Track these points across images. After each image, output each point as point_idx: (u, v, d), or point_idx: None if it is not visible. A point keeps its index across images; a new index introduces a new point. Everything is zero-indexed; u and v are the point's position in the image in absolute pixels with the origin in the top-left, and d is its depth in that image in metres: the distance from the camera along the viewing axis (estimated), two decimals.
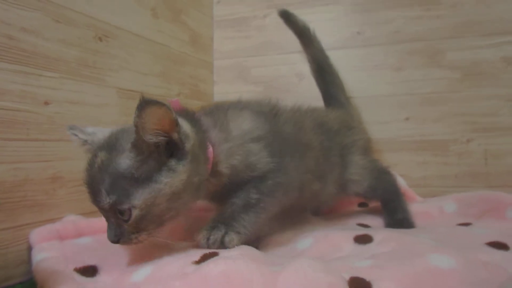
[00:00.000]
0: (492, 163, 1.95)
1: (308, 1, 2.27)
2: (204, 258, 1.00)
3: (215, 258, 0.95)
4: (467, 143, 1.99)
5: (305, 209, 1.63)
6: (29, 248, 1.26)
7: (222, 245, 1.11)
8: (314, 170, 1.40)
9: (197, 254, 1.04)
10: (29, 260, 1.25)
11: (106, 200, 1.03)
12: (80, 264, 1.11)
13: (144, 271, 1.02)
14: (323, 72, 1.99)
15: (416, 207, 1.67)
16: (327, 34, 2.17)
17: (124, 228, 1.06)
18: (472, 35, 2.00)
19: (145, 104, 0.95)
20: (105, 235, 1.35)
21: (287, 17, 2.02)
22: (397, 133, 2.10)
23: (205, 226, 1.17)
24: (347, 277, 0.89)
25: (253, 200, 1.20)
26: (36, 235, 1.27)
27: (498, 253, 1.04)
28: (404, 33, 2.11)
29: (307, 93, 2.09)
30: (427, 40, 2.07)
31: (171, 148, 1.06)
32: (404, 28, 2.11)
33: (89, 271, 1.09)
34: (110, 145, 1.07)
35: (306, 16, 2.07)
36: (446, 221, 1.56)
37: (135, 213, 1.03)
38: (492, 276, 0.90)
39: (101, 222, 1.39)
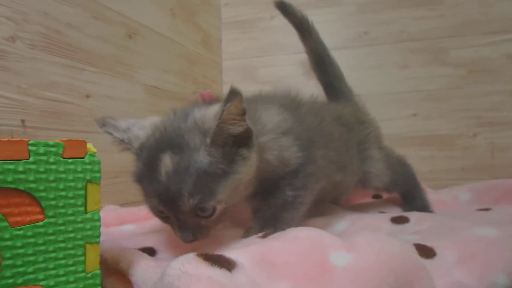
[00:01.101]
0: (498, 156, 2.01)
1: (314, 2, 2.31)
2: (268, 234, 1.01)
3: (293, 228, 0.97)
4: (474, 137, 2.04)
5: (324, 201, 1.60)
6: None
7: None
8: (336, 162, 1.37)
9: (258, 234, 1.05)
10: None
11: (189, 202, 0.95)
12: (136, 246, 1.10)
13: (206, 251, 1.02)
14: (323, 64, 1.94)
15: (430, 196, 1.68)
16: (333, 35, 2.23)
17: (201, 225, 1.01)
18: (474, 34, 2.05)
19: (234, 95, 0.90)
20: (148, 223, 1.39)
21: (285, 8, 1.97)
22: (403, 129, 2.14)
23: (252, 226, 1.15)
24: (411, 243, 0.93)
25: (290, 198, 1.17)
26: None
27: None
28: (408, 32, 2.16)
29: (315, 93, 2.06)
30: (431, 39, 2.12)
31: (238, 137, 0.99)
32: (409, 28, 2.16)
33: (148, 251, 1.08)
34: (175, 144, 0.98)
35: (312, 17, 2.05)
36: (463, 208, 1.58)
37: (219, 208, 0.99)
38: None
39: (141, 211, 1.41)
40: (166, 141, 1.00)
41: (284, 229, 1.02)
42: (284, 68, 2.36)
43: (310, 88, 2.11)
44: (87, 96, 1.41)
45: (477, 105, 2.05)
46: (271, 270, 0.79)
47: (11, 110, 1.16)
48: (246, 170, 1.02)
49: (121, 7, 1.60)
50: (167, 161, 0.96)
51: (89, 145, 0.77)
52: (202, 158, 0.96)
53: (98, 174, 0.77)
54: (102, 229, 1.26)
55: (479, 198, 1.61)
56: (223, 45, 2.49)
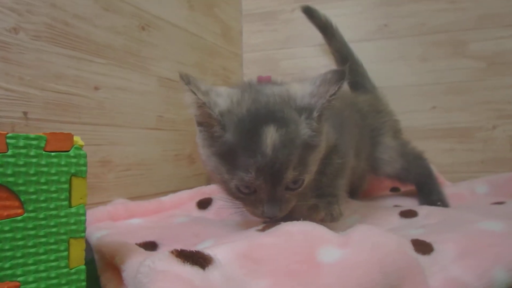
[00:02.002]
0: None
1: None
2: (267, 227, 1.00)
3: (288, 222, 0.96)
4: (493, 130, 2.02)
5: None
6: None
7: (341, 215, 1.13)
8: (353, 146, 1.40)
9: (257, 226, 1.04)
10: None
11: (292, 175, 1.00)
12: (139, 240, 1.11)
13: (208, 243, 1.02)
14: (347, 63, 1.97)
15: (448, 189, 1.69)
16: (354, 27, 2.22)
17: (285, 198, 1.04)
18: (495, 26, 2.02)
19: (343, 76, 1.02)
20: (156, 216, 1.38)
21: (310, 13, 2.08)
22: (424, 121, 2.12)
23: (318, 204, 1.13)
24: (409, 239, 0.92)
25: (339, 164, 1.21)
26: (90, 215, 1.26)
27: None
28: (429, 25, 2.13)
29: None
30: (451, 31, 2.09)
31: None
32: (429, 20, 2.13)
33: (150, 246, 1.09)
34: (278, 118, 1.00)
35: (334, 10, 2.12)
36: (479, 201, 1.57)
37: (306, 179, 1.04)
38: None
39: (150, 205, 1.42)
40: (267, 114, 1.00)
41: (340, 196, 1.17)
42: (305, 60, 2.34)
43: None
44: (96, 88, 1.39)
45: (497, 98, 2.02)
46: (253, 267, 0.78)
47: (12, 102, 1.14)
48: (324, 143, 1.08)
49: None
50: (273, 134, 0.97)
51: (76, 138, 0.75)
52: (306, 131, 1.01)
53: (84, 168, 0.75)
54: (109, 223, 1.27)
55: (496, 191, 1.62)
56: (244, 37, 2.47)
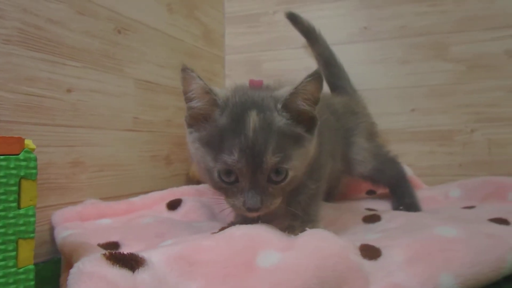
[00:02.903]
0: (495, 152, 2.00)
1: None
2: (222, 229, 1.03)
3: (233, 226, 1.00)
4: (471, 133, 2.03)
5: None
6: (51, 229, 1.30)
7: None
8: (329, 148, 1.41)
9: (215, 229, 1.07)
10: (51, 240, 1.29)
11: (272, 160, 1.01)
12: (102, 241, 1.14)
13: (168, 243, 1.04)
14: (330, 66, 2.07)
15: (422, 193, 1.72)
16: (336, 29, 2.24)
17: (269, 192, 1.05)
18: (475, 29, 2.04)
19: (317, 76, 1.02)
20: (126, 217, 1.41)
21: (294, 19, 2.13)
22: (404, 124, 2.14)
23: (293, 224, 1.18)
24: (358, 244, 0.95)
25: (313, 190, 1.23)
26: (59, 216, 1.30)
27: (499, 227, 1.08)
28: (410, 27, 2.15)
29: None
30: (432, 34, 2.11)
31: (304, 118, 1.09)
32: (410, 23, 2.15)
33: (112, 246, 1.12)
34: (258, 105, 1.06)
35: (317, 12, 2.15)
36: (451, 205, 1.60)
37: (291, 174, 1.05)
38: (495, 245, 0.95)
39: (120, 205, 1.45)
40: (251, 101, 1.07)
41: (315, 220, 1.20)
42: (287, 62, 2.37)
43: None
44: (69, 91, 1.41)
45: (477, 101, 2.04)
46: (187, 269, 0.81)
47: None
48: (310, 149, 1.12)
49: (111, 3, 1.60)
50: (254, 117, 1.02)
51: (28, 141, 0.77)
52: (279, 118, 1.05)
53: (34, 171, 0.76)
54: (77, 223, 1.29)
55: (468, 195, 1.64)
56: (226, 39, 2.49)
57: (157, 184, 1.81)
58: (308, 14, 2.15)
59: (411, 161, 2.09)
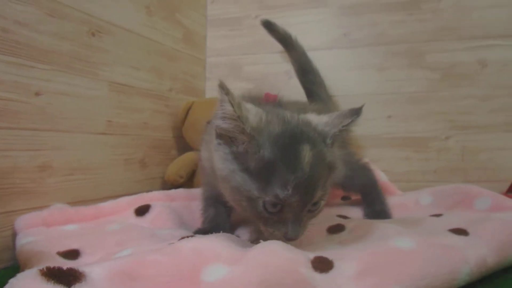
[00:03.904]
0: (468, 159, 2.03)
1: (298, 4, 2.30)
2: (182, 239, 1.02)
3: (190, 237, 0.98)
4: (446, 140, 2.04)
5: None
6: (14, 235, 1.26)
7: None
8: None
9: (178, 237, 1.05)
10: (13, 246, 1.25)
11: (319, 194, 1.01)
12: (63, 249, 1.11)
13: (126, 252, 1.03)
14: (306, 73, 2.09)
15: (394, 199, 1.71)
16: (315, 36, 2.24)
17: (304, 222, 1.04)
18: (450, 39, 2.06)
19: (361, 113, 1.07)
20: (93, 223, 1.38)
21: (269, 26, 2.15)
22: (381, 130, 2.14)
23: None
24: (312, 256, 0.94)
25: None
26: (22, 221, 1.27)
27: (457, 238, 1.08)
28: (388, 35, 2.16)
29: (295, 90, 2.12)
30: (409, 42, 2.12)
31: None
32: (388, 31, 2.15)
33: (72, 254, 1.09)
34: (309, 139, 1.02)
35: (296, 18, 2.15)
36: (420, 212, 1.59)
37: (323, 203, 1.05)
38: (447, 257, 0.94)
39: (88, 211, 1.42)
40: (301, 134, 1.02)
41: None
42: (267, 66, 2.37)
43: (291, 86, 2.16)
44: (37, 94, 1.37)
45: (451, 109, 2.06)
46: (129, 284, 0.79)
47: None
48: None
49: (85, 5, 1.56)
50: (308, 152, 0.98)
51: None
52: (329, 154, 1.04)
53: None
54: (41, 229, 1.26)
55: (438, 202, 1.63)
56: (208, 42, 2.48)
57: (130, 188, 1.78)
58: (289, 20, 2.17)
59: (386, 167, 2.09)
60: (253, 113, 1.03)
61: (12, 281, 0.73)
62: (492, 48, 2.01)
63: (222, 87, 0.96)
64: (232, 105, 0.95)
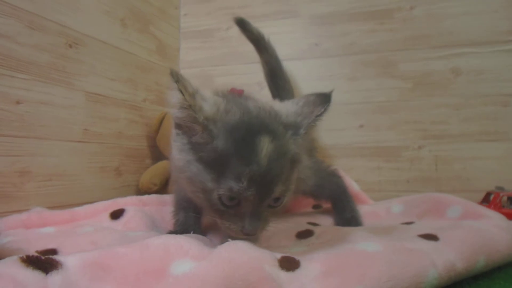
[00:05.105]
0: (442, 169, 2.08)
1: (270, 14, 2.39)
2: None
3: (157, 236, 1.03)
4: (419, 150, 2.11)
5: None
6: None
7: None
8: None
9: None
10: None
11: (280, 189, 0.99)
12: (41, 248, 1.18)
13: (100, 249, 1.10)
14: (275, 77, 2.06)
15: (365, 208, 1.75)
16: (287, 45, 2.31)
17: (264, 216, 1.02)
18: (422, 48, 2.13)
19: (329, 101, 1.07)
20: (68, 225, 1.46)
21: (243, 25, 2.09)
22: (352, 139, 2.21)
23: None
24: (279, 256, 0.95)
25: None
26: (3, 223, 1.36)
27: (426, 243, 1.09)
28: (358, 45, 2.23)
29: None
30: (380, 51, 2.20)
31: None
32: (359, 40, 2.23)
33: (49, 252, 1.15)
34: (270, 130, 1.00)
35: (267, 28, 2.13)
36: (391, 220, 1.63)
37: (286, 199, 1.04)
38: (413, 260, 0.96)
39: (64, 214, 1.50)
40: (261, 125, 1.00)
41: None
42: (239, 77, 2.44)
43: (262, 96, 2.17)
44: (18, 102, 1.49)
45: (423, 118, 2.12)
46: (100, 274, 0.85)
47: None
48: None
49: (62, 18, 1.68)
50: (268, 144, 0.97)
51: None
52: (293, 147, 1.02)
53: None
54: (21, 231, 1.36)
55: (409, 211, 1.66)
56: (181, 54, 2.58)
57: (106, 195, 1.87)
58: (261, 30, 2.17)
59: (358, 177, 2.14)
60: (210, 102, 1.01)
61: None
62: (466, 56, 2.07)
63: (172, 75, 0.97)
64: (182, 93, 0.95)
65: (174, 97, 0.97)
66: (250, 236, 1.00)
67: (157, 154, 2.24)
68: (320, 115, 1.05)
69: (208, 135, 0.97)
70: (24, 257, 0.82)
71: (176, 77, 0.96)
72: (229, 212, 1.00)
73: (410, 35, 2.16)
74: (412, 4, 2.17)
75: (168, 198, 1.67)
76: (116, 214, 1.55)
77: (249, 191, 0.95)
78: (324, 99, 1.07)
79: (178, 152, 1.05)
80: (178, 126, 1.04)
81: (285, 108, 1.09)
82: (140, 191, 2.05)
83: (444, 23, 2.11)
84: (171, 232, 1.34)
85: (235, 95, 1.18)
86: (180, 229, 1.36)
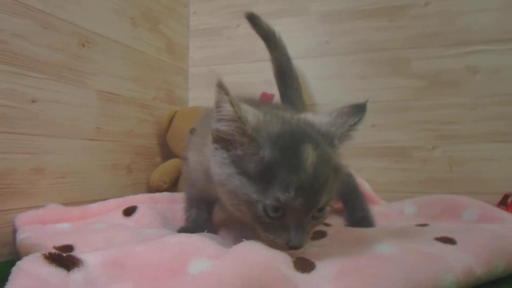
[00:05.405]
0: (456, 170, 2.05)
1: (279, 12, 2.39)
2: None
3: (173, 235, 1.07)
4: (432, 150, 2.10)
5: None
6: (14, 231, 1.40)
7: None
8: None
9: (163, 236, 1.13)
10: (14, 242, 1.38)
11: (325, 199, 0.97)
12: (58, 244, 1.20)
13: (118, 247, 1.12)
14: (283, 75, 2.06)
15: (377, 208, 1.73)
16: (296, 44, 2.30)
17: (308, 229, 0.99)
18: (436, 45, 2.10)
19: (366, 110, 1.07)
20: (82, 222, 1.50)
21: (253, 20, 2.08)
22: (363, 139, 2.19)
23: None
24: (294, 257, 0.96)
25: None
26: (21, 219, 1.40)
27: (443, 246, 1.07)
28: (370, 42, 2.22)
29: (275, 99, 2.15)
30: (391, 49, 2.18)
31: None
32: (370, 38, 2.22)
33: (66, 249, 1.17)
34: (311, 138, 0.98)
35: (277, 26, 2.12)
36: (404, 222, 1.60)
37: (328, 209, 1.01)
38: (430, 263, 0.96)
39: (78, 211, 1.54)
40: (303, 134, 0.99)
41: None
42: (247, 76, 2.45)
43: None
44: (33, 101, 1.52)
45: (436, 118, 2.10)
46: (118, 272, 0.87)
47: None
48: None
49: (75, 18, 1.71)
50: (312, 153, 0.95)
51: None
52: (334, 156, 1.00)
53: None
54: (37, 226, 1.40)
55: (423, 212, 1.64)
56: (190, 52, 2.60)
57: (117, 192, 1.91)
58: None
59: (368, 177, 2.12)
60: (251, 114, 0.99)
61: (18, 263, 0.82)
62: (482, 53, 2.03)
63: (221, 87, 0.93)
64: (233, 105, 0.92)
65: (224, 110, 0.94)
66: (296, 249, 0.97)
67: (167, 152, 2.26)
68: (355, 124, 1.05)
69: (254, 146, 0.95)
70: (47, 254, 0.84)
71: (226, 89, 0.93)
72: (273, 225, 0.97)
73: (423, 33, 2.13)
74: (427, 0, 2.15)
75: (178, 196, 1.69)
76: (129, 211, 1.58)
77: (297, 201, 0.93)
78: (358, 109, 1.07)
79: (218, 166, 1.02)
80: (217, 140, 1.02)
81: (318, 119, 1.08)
82: (151, 189, 2.08)
83: (458, 20, 2.08)
84: (182, 228, 1.38)
85: (265, 103, 1.19)
86: (191, 225, 1.38)
